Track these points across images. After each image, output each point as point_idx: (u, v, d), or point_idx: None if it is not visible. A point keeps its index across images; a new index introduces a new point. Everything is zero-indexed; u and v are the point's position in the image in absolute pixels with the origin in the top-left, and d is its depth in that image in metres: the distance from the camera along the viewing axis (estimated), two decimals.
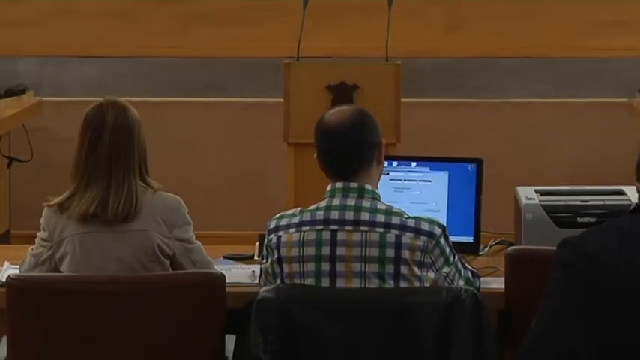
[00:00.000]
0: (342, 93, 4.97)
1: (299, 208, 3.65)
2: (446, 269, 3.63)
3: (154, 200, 3.82)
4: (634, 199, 2.83)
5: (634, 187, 2.80)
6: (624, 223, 2.78)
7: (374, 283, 3.55)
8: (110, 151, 3.78)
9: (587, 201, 4.21)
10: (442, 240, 3.61)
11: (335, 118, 3.69)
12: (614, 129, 5.73)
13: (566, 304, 2.69)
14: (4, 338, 3.73)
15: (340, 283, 3.55)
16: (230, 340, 3.72)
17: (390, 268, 3.55)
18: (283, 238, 3.60)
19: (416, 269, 3.56)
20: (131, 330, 3.63)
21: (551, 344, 2.74)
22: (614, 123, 6.14)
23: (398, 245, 3.56)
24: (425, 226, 3.59)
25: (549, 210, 4.19)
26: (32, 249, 3.88)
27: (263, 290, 3.55)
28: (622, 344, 2.61)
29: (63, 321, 3.65)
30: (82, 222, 3.77)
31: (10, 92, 6.57)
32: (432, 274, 3.59)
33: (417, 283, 3.56)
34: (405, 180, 4.27)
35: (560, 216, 4.15)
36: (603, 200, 4.18)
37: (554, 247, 2.81)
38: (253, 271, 3.93)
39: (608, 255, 2.66)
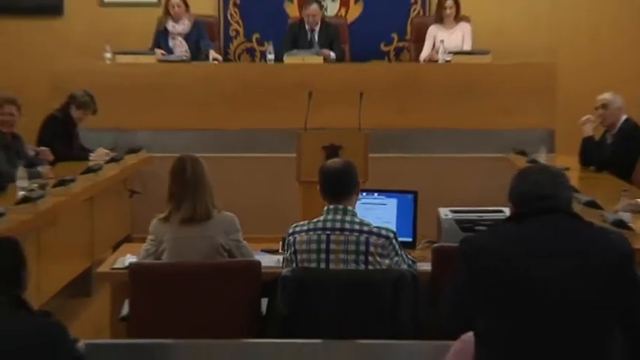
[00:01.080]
0: (331, 151, 4.95)
1: (307, 220, 3.65)
2: (396, 258, 3.62)
3: (219, 217, 3.81)
4: (508, 214, 2.82)
5: (508, 208, 2.81)
6: (500, 227, 2.77)
7: (352, 266, 3.54)
8: (193, 185, 3.78)
9: (481, 216, 4.19)
10: (394, 241, 3.61)
11: (333, 164, 3.71)
12: (498, 173, 5.67)
13: (464, 280, 2.64)
14: (127, 301, 3.73)
15: (332, 266, 3.54)
16: (264, 302, 3.71)
17: (361, 258, 3.54)
18: (297, 239, 3.59)
19: (378, 258, 3.56)
20: (204, 296, 3.62)
21: (454, 306, 2.71)
22: (498, 170, 6.09)
23: (367, 243, 3.55)
24: (383, 232, 3.58)
25: (458, 222, 4.16)
26: (144, 246, 3.88)
27: (284, 271, 3.56)
28: (500, 308, 2.58)
29: (163, 291, 3.64)
30: (179, 226, 3.76)
31: (131, 151, 6.59)
32: (387, 261, 3.59)
33: (378, 267, 3.56)
34: (370, 204, 4.24)
35: (465, 225, 4.11)
36: (490, 215, 4.16)
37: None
38: (278, 259, 3.92)
39: (489, 247, 2.62)
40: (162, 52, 7.38)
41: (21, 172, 5.02)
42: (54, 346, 2.49)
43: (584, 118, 6.16)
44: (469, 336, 2.71)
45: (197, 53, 7.45)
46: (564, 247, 2.58)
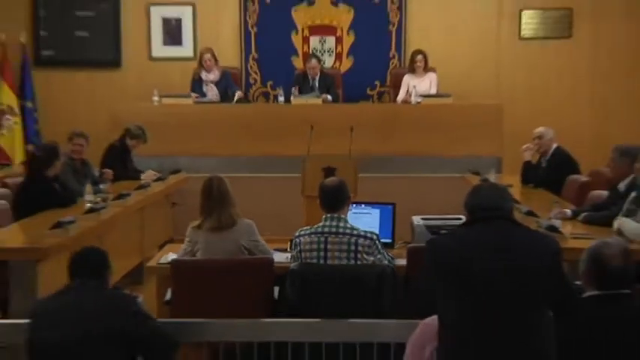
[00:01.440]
0: (329, 172, 4.93)
1: (310, 226, 3.65)
2: (379, 256, 3.61)
3: (241, 223, 3.81)
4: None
5: (464, 215, 2.82)
6: (458, 231, 2.77)
7: (344, 262, 3.54)
8: (219, 199, 3.79)
9: (444, 222, 4.18)
10: (377, 242, 3.61)
11: (329, 183, 3.71)
12: (457, 189, 5.61)
13: (430, 276, 2.64)
14: (170, 289, 3.73)
15: (329, 262, 3.55)
16: (276, 290, 3.70)
17: (352, 255, 3.54)
18: (302, 240, 3.60)
19: (365, 256, 3.56)
20: (229, 285, 3.61)
21: (427, 301, 2.71)
22: (457, 186, 6.02)
23: (356, 244, 3.55)
24: (369, 235, 3.59)
25: (427, 227, 4.14)
26: (183, 246, 3.88)
27: (292, 266, 3.56)
28: (457, 297, 2.58)
29: (198, 281, 3.64)
30: (209, 232, 3.75)
31: (173, 172, 6.61)
32: (371, 258, 3.58)
33: (365, 262, 3.56)
34: (359, 213, 4.23)
35: (432, 230, 4.09)
36: (452, 222, 4.13)
37: None
38: (287, 257, 3.91)
39: (449, 247, 2.62)
40: (197, 95, 7.45)
41: (88, 189, 5.22)
42: (130, 303, 2.94)
43: (524, 146, 6.25)
44: (432, 319, 2.71)
45: (225, 96, 7.51)
46: (507, 248, 2.59)
